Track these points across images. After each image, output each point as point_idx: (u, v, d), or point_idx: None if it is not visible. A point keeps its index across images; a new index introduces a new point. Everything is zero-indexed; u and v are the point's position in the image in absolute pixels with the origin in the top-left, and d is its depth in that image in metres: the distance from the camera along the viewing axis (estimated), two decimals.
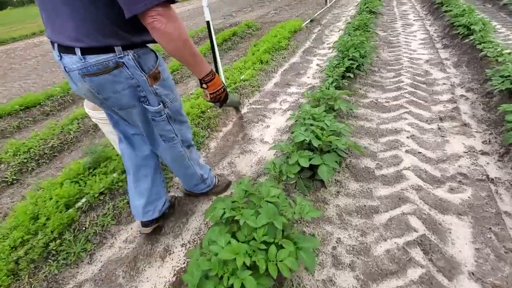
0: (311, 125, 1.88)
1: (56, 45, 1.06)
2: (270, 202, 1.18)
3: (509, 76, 2.33)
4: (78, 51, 1.00)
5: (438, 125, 2.44)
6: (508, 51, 2.88)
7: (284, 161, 1.73)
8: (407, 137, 2.32)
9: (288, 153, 1.73)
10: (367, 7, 5.87)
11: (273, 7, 9.05)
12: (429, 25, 5.42)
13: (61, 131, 2.85)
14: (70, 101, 3.96)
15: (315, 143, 1.65)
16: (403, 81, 3.27)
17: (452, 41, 4.15)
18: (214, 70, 1.28)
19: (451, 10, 4.50)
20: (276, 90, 3.46)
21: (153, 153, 1.53)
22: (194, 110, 2.73)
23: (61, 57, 1.06)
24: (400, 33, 5.07)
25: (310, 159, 1.66)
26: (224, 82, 1.35)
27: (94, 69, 1.03)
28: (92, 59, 1.01)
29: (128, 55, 1.06)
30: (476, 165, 1.94)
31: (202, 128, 2.65)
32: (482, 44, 3.20)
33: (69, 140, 2.83)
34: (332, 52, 3.98)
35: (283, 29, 5.21)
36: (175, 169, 1.61)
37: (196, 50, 1.09)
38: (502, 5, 5.93)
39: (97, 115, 1.65)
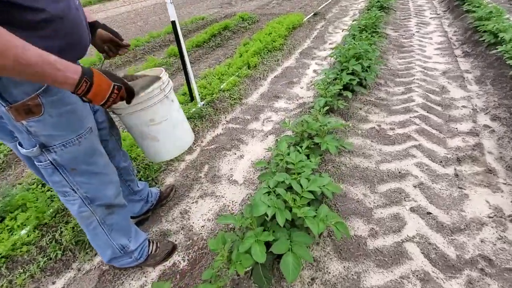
0: (283, 181, 1.37)
1: None
2: None
3: None
4: None
5: (455, 169, 1.90)
6: None
7: (239, 237, 1.23)
8: (414, 186, 1.80)
9: (242, 228, 1.24)
10: (378, 2, 5.18)
11: None
12: (448, 25, 4.75)
13: None
14: None
15: (281, 219, 1.14)
16: (413, 100, 2.70)
17: (475, 48, 3.52)
18: (90, 70, 0.82)
19: (474, 11, 3.83)
20: (261, 104, 2.92)
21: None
22: None
23: None
24: (413, 34, 4.43)
25: (272, 241, 1.16)
26: (114, 76, 0.88)
27: None
28: None
29: None
30: (505, 241, 1.42)
31: None
32: None
33: None
34: (331, 59, 3.41)
35: (280, 25, 4.59)
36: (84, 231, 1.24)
37: (37, 57, 0.69)
38: None
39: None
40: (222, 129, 2.56)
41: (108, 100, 0.86)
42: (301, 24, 5.05)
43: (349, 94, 2.31)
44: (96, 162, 1.07)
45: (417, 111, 2.53)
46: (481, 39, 3.33)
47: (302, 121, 1.85)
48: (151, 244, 1.45)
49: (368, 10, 5.24)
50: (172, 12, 2.18)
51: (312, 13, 5.72)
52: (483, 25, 3.41)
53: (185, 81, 2.60)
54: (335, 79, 2.44)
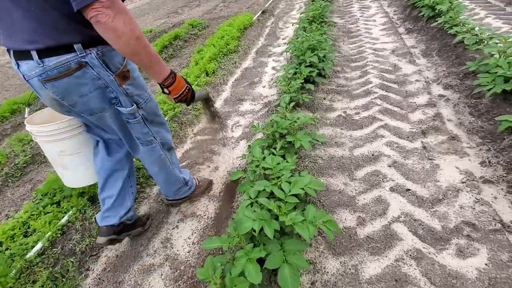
0: (263, 190, 1.31)
1: (11, 52, 0.97)
2: None
3: (499, 72, 1.89)
4: (34, 55, 0.92)
5: (422, 142, 1.98)
6: (488, 34, 2.46)
7: (229, 259, 1.15)
8: (389, 166, 1.84)
9: (231, 248, 1.16)
10: None
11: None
12: (388, 6, 5.01)
13: None
14: None
15: (269, 232, 1.08)
16: (371, 82, 2.79)
17: (416, 24, 3.74)
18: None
19: None
20: (226, 109, 2.84)
21: (128, 157, 1.46)
22: None
23: (18, 64, 0.97)
24: (358, 19, 4.61)
25: (265, 256, 1.09)
26: (187, 81, 1.20)
27: (54, 73, 0.95)
28: (51, 61, 0.93)
29: (90, 53, 0.97)
30: (482, 203, 1.49)
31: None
32: (454, 28, 2.78)
33: None
34: (287, 54, 3.41)
35: (231, 27, 4.53)
36: (156, 174, 1.52)
37: (153, 50, 0.99)
38: None
39: (34, 129, 1.32)
40: (191, 143, 2.44)
41: (181, 95, 1.14)
42: (251, 24, 5.04)
43: (311, 87, 2.32)
44: (160, 114, 1.36)
45: (376, 92, 2.61)
46: (420, 14, 3.54)
47: (271, 121, 1.81)
48: (194, 178, 1.83)
49: (312, 1, 5.37)
50: None
51: (260, 11, 5.74)
52: (420, 0, 3.62)
53: None
54: (295, 73, 2.44)
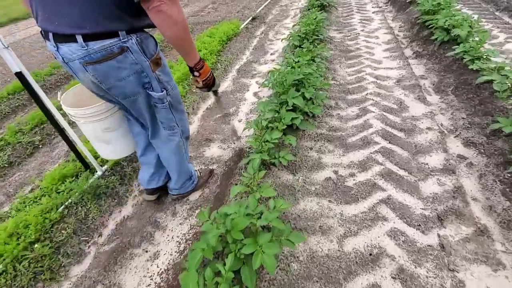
0: None
1: (51, 34, 0.99)
2: None
3: None
4: (80, 38, 0.96)
5: (438, 235, 1.43)
6: None
7: None
8: (393, 278, 1.28)
9: None
10: (318, 0, 4.73)
11: (212, 0, 7.60)
12: (392, 20, 4.45)
13: None
14: None
15: None
16: (371, 125, 2.23)
17: (426, 47, 3.17)
18: None
19: (419, 4, 3.50)
20: (190, 153, 2.25)
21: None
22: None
23: (57, 47, 1.01)
24: (359, 34, 4.04)
25: None
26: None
27: (97, 56, 1.00)
28: (96, 45, 0.98)
29: (131, 39, 1.04)
30: None
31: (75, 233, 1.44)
32: (476, 63, 2.22)
33: None
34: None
35: (212, 38, 3.93)
36: (171, 163, 1.56)
37: (191, 37, 1.10)
38: None
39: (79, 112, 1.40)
40: (132, 206, 1.85)
41: (207, 78, 1.28)
42: (237, 33, 4.43)
43: (293, 141, 1.74)
44: (182, 102, 1.43)
45: (377, 143, 2.05)
46: (432, 37, 2.97)
47: (224, 215, 1.22)
48: (196, 171, 1.86)
49: (308, 9, 4.78)
50: (12, 61, 1.42)
51: (250, 18, 5.13)
52: (432, 19, 3.06)
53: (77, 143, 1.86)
54: (274, 119, 1.86)
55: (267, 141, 1.66)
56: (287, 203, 1.25)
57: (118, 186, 1.94)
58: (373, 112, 2.38)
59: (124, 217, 1.79)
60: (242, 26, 4.73)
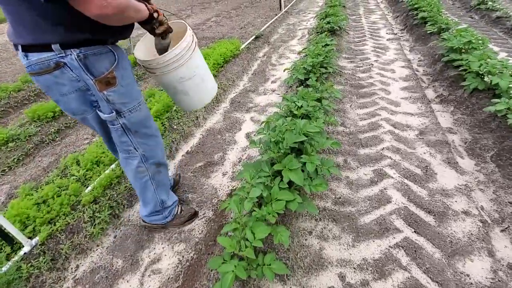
0: None
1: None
2: None
3: None
4: (19, 48, 0.96)
5: None
6: None
7: None
8: None
9: None
10: (328, 22, 4.30)
11: (216, 12, 7.20)
12: (409, 51, 3.99)
13: None
14: None
15: None
16: (389, 199, 1.73)
17: (453, 91, 2.69)
18: None
19: (445, 39, 3.03)
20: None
21: None
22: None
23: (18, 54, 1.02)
24: (372, 64, 3.58)
25: None
26: None
27: (36, 68, 0.98)
28: (34, 57, 0.96)
29: (70, 54, 0.98)
30: None
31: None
32: None
33: None
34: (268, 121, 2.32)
35: (207, 60, 3.47)
36: (134, 187, 1.46)
37: (137, 5, 0.98)
38: (495, 18, 4.67)
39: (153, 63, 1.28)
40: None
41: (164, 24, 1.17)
42: (236, 54, 3.98)
43: (286, 239, 1.23)
44: (150, 125, 1.32)
45: (399, 230, 1.55)
46: (462, 82, 2.50)
47: None
48: (177, 206, 1.65)
49: (317, 33, 4.35)
50: None
51: (253, 37, 4.70)
52: (462, 59, 2.59)
53: None
54: (262, 200, 1.36)
55: (247, 239, 1.16)
56: None
57: (45, 272, 1.43)
58: (392, 177, 1.89)
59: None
60: (243, 45, 4.29)
